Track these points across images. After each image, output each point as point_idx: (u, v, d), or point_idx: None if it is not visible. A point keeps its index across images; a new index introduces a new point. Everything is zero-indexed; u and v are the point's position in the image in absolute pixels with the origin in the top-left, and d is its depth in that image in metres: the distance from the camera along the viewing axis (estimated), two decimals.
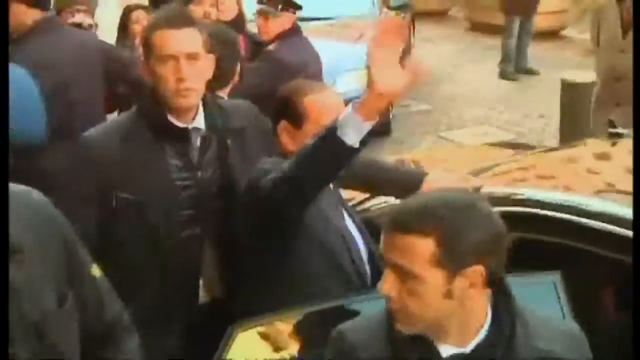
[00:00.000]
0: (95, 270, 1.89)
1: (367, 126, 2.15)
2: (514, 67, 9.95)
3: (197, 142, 2.62)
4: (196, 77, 2.56)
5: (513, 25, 9.84)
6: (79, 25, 4.69)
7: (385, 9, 8.67)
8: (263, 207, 2.37)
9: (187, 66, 2.53)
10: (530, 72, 9.99)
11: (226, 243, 2.66)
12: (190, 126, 2.61)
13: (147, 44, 2.57)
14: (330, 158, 2.21)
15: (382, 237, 1.63)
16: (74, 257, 1.81)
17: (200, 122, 2.64)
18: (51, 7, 4.23)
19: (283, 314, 2.27)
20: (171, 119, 2.59)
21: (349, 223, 2.63)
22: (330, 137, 2.16)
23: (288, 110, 2.54)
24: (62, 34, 4.05)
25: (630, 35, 4.89)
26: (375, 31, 2.07)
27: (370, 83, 2.07)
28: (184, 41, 2.56)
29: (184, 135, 2.60)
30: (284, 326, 2.28)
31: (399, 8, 8.96)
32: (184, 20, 2.59)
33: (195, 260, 2.64)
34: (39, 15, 3.98)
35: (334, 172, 2.29)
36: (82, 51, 4.08)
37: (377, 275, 2.55)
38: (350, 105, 2.15)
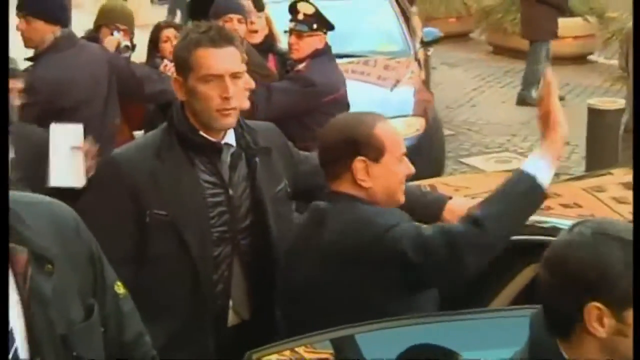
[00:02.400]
0: (120, 288, 1.90)
1: (553, 171, 2.27)
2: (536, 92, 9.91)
3: (228, 159, 2.62)
4: (238, 96, 2.58)
5: (540, 49, 9.77)
6: (117, 46, 4.75)
7: (418, 45, 7.89)
8: (415, 270, 2.24)
9: (232, 85, 2.53)
10: None
11: (256, 264, 2.65)
12: (222, 142, 2.62)
13: (186, 63, 2.54)
14: (528, 206, 2.27)
15: None
16: (99, 271, 1.83)
17: (231, 138, 2.64)
18: (69, 23, 4.31)
19: (305, 340, 2.23)
20: (203, 134, 2.58)
21: None
22: (527, 182, 2.23)
23: (363, 146, 2.42)
24: (77, 50, 4.16)
25: None
26: (544, 83, 2.29)
27: (556, 127, 2.26)
28: (229, 60, 2.55)
29: (216, 150, 2.60)
30: (302, 349, 2.24)
31: (432, 42, 8.31)
32: (227, 39, 2.57)
33: (226, 280, 2.62)
34: (59, 31, 4.05)
35: (524, 222, 2.32)
36: (94, 67, 4.17)
37: None
38: (536, 152, 2.28)
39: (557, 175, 5.02)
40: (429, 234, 2.26)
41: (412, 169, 2.49)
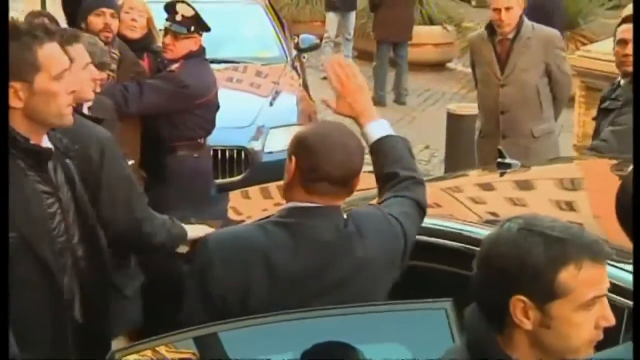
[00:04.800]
0: None
1: None
2: (395, 95, 10.22)
3: (50, 164, 2.51)
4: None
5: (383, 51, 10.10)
6: None
7: (294, 52, 7.66)
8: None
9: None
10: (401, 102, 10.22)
11: (90, 268, 2.59)
12: (46, 146, 2.49)
13: (32, 64, 2.36)
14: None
15: (593, 272, 1.63)
16: None
17: (47, 142, 2.51)
18: None
19: (167, 338, 2.18)
20: (34, 142, 2.44)
21: None
22: (406, 142, 2.56)
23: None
24: None
25: (508, 70, 5.07)
26: (341, 66, 2.53)
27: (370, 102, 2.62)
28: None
29: (47, 157, 2.47)
30: (164, 348, 2.20)
31: (309, 49, 8.06)
32: (54, 32, 2.50)
33: (71, 290, 2.55)
34: None
35: None
36: None
37: None
38: (377, 121, 2.52)
39: None
40: (407, 210, 2.41)
41: None
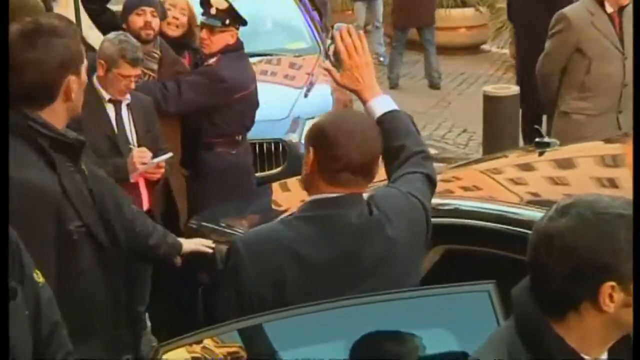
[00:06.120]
0: (39, 277, 1.90)
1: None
2: (429, 80, 10.17)
3: None
4: None
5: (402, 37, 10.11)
6: None
7: (328, 41, 7.69)
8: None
9: None
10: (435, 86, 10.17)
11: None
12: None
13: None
14: None
15: None
16: (17, 257, 1.83)
17: None
18: None
19: (211, 331, 2.20)
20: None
21: None
22: (405, 114, 2.50)
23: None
24: None
25: (627, 43, 4.95)
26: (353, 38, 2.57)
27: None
28: None
29: (82, 148, 2.51)
30: (211, 343, 2.21)
31: None
32: None
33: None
34: None
35: None
36: None
37: None
38: (381, 96, 2.46)
39: (455, 160, 5.15)
40: (422, 186, 2.37)
41: None
